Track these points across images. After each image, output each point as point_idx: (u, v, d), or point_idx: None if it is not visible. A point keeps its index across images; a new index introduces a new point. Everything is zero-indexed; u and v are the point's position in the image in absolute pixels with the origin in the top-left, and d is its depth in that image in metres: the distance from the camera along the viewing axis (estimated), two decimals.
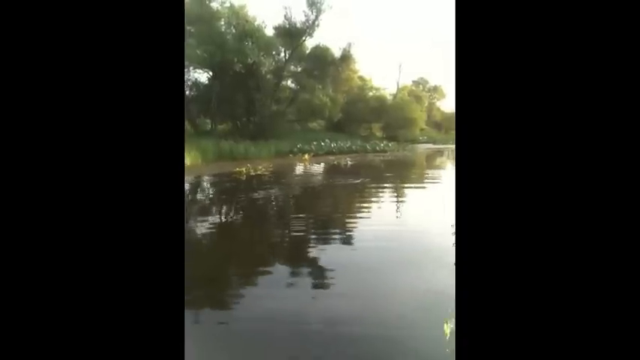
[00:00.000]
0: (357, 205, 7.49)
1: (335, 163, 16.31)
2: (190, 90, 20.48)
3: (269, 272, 3.77)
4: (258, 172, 12.04)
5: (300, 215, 6.64)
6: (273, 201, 7.68)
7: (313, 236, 5.16)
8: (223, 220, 6.22)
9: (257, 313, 2.83)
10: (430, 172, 13.75)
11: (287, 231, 5.54)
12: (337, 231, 5.39)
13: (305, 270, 3.79)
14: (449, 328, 1.77)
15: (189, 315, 2.69)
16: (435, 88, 50.76)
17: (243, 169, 12.16)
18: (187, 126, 20.00)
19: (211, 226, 5.73)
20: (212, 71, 19.64)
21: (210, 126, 20.34)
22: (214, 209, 7.07)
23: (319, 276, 3.61)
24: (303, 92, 21.79)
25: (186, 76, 19.63)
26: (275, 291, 3.25)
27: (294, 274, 3.69)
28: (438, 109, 49.57)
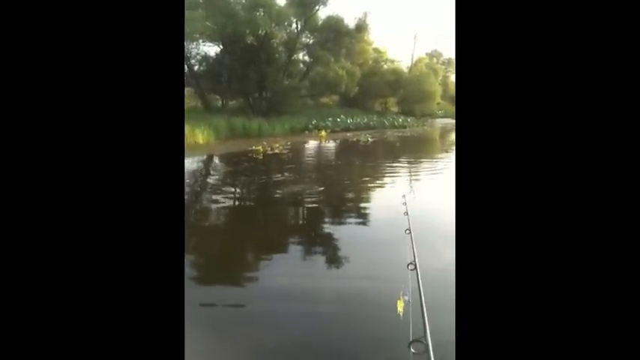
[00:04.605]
0: None
1: (355, 140, 15.49)
2: (200, 64, 19.63)
3: None
4: (276, 151, 11.36)
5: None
6: (310, 192, 6.97)
7: None
8: (245, 207, 5.55)
9: None
10: None
11: None
12: None
13: None
14: (402, 304, 1.66)
15: None
16: (449, 61, 48.87)
17: (260, 148, 11.49)
18: (198, 103, 19.33)
19: (235, 214, 5.09)
20: (222, 44, 18.68)
21: (220, 102, 19.54)
22: (236, 194, 6.39)
23: None
24: (316, 65, 20.69)
25: (195, 50, 18.84)
26: None
27: None
28: (453, 82, 47.89)
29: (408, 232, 2.50)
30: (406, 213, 2.92)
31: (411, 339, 1.37)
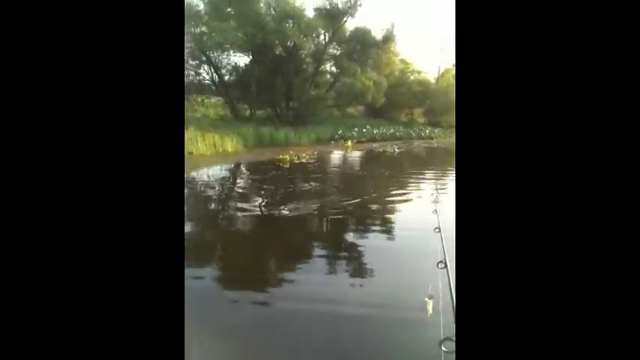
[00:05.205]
0: None
1: (381, 150, 15.38)
2: (230, 75, 20.08)
3: None
4: (302, 160, 11.39)
5: None
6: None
7: None
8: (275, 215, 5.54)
9: None
10: None
11: None
12: None
13: None
14: (430, 304, 1.71)
15: None
16: None
17: (287, 157, 11.56)
18: (227, 112, 19.74)
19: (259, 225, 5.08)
20: (251, 54, 19.05)
21: (249, 112, 19.88)
22: (262, 207, 6.41)
23: None
24: (343, 76, 20.78)
25: (226, 60, 19.28)
26: None
27: None
28: None
29: (437, 230, 2.53)
30: (435, 211, 2.96)
31: (442, 337, 1.35)
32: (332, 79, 22.37)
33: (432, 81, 29.72)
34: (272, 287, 3.15)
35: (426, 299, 1.69)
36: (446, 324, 1.52)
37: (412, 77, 28.13)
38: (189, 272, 3.21)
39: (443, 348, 1.31)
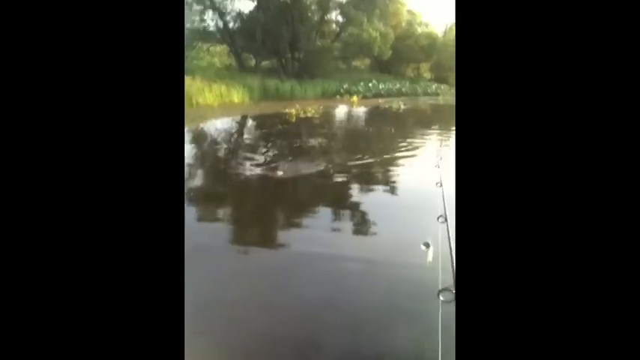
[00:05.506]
0: None
1: (387, 107, 15.27)
2: (234, 22, 19.39)
3: None
4: (309, 115, 11.36)
5: None
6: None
7: None
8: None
9: None
10: None
11: None
12: None
13: None
14: (430, 252, 1.74)
15: None
16: None
17: (293, 111, 11.53)
18: (232, 61, 19.26)
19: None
20: (256, 0, 18.26)
21: (254, 62, 19.40)
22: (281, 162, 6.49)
23: None
24: (349, 25, 20.04)
25: (230, 6, 18.52)
26: None
27: None
28: None
29: (439, 185, 2.54)
30: (438, 166, 2.99)
31: (440, 288, 1.41)
32: (338, 29, 21.61)
33: (440, 35, 28.70)
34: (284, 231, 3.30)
35: (423, 247, 1.78)
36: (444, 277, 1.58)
37: (419, 30, 27.11)
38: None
39: (441, 298, 1.36)
